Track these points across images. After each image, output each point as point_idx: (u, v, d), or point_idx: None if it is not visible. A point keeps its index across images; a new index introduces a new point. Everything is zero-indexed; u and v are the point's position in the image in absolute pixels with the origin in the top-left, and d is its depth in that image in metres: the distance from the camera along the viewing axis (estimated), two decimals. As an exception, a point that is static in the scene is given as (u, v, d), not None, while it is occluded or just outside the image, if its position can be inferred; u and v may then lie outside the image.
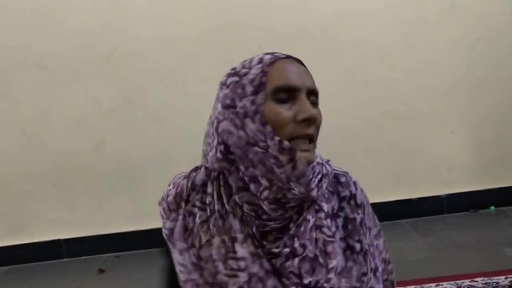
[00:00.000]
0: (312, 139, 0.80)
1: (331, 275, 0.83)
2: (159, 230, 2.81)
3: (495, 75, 2.61)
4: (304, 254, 0.81)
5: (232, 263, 0.79)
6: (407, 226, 2.52)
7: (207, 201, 0.81)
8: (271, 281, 0.80)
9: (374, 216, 0.92)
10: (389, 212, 2.48)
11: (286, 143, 0.76)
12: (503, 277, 1.83)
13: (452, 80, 2.61)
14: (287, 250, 0.80)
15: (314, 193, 0.79)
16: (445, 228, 2.49)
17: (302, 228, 0.81)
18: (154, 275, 2.34)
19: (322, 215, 0.84)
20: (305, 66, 0.83)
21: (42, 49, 2.59)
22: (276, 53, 0.82)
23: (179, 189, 0.83)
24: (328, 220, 0.85)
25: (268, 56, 0.81)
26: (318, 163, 0.83)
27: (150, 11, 2.57)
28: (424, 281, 1.86)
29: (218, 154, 0.81)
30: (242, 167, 0.79)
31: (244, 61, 0.83)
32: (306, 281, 0.80)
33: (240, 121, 0.78)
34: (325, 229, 0.84)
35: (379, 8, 2.55)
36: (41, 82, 2.62)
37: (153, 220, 2.66)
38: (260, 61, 0.80)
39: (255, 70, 0.79)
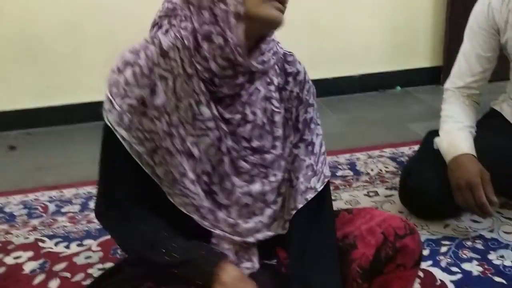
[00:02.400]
0: (285, 1, 0.81)
1: (277, 142, 0.90)
2: (70, 106, 2.70)
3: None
4: (254, 121, 0.87)
5: (199, 124, 0.83)
6: (322, 104, 2.64)
7: (173, 65, 0.81)
8: (229, 142, 0.85)
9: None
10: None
11: (241, 8, 0.76)
12: (407, 147, 2.03)
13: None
14: (239, 116, 0.85)
15: (259, 66, 0.82)
16: (357, 105, 2.65)
17: (254, 97, 0.87)
18: (71, 152, 2.29)
19: (273, 87, 0.90)
20: None
21: None
22: None
23: (149, 54, 0.81)
24: (277, 93, 0.90)
25: None
26: (273, 40, 0.87)
27: None
28: (339, 152, 2.01)
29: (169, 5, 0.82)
30: (196, 23, 0.78)
31: None
32: (254, 145, 0.87)
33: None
34: (273, 101, 0.90)
35: None
36: None
37: (63, 95, 2.54)
38: None
39: None
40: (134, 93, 0.81)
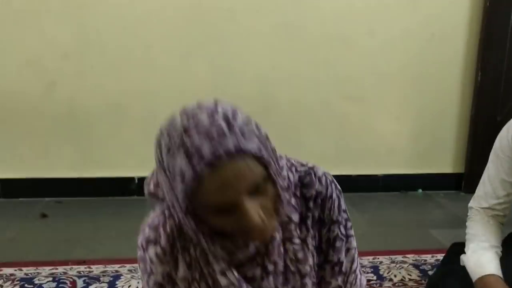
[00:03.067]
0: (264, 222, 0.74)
1: (306, 280, 0.86)
2: (103, 180, 2.81)
3: (441, 71, 2.80)
4: (275, 271, 0.84)
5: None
6: (346, 200, 2.70)
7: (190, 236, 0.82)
8: None
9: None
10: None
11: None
12: (430, 255, 2.05)
13: (404, 70, 2.77)
14: (258, 269, 0.84)
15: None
16: (379, 205, 2.70)
17: (270, 247, 0.83)
18: (101, 225, 2.36)
19: (292, 226, 0.85)
20: (244, 155, 0.69)
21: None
22: (199, 160, 0.67)
23: (169, 230, 0.83)
24: (298, 230, 0.85)
25: (188, 173, 0.68)
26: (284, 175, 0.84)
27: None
28: (362, 254, 2.03)
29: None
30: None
31: (168, 149, 0.70)
32: None
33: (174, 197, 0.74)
34: (294, 239, 0.85)
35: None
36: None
37: (98, 168, 2.66)
38: (182, 177, 0.68)
39: (179, 188, 0.70)
40: (158, 271, 0.84)
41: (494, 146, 1.56)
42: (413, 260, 2.00)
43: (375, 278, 1.86)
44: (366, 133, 2.82)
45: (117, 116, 2.62)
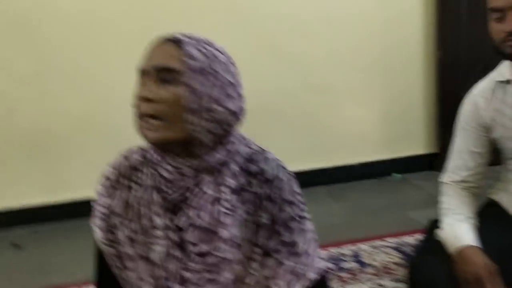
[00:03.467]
0: (153, 117, 0.83)
1: (222, 244, 0.87)
2: (75, 202, 2.73)
3: (402, 53, 2.82)
4: (200, 224, 0.87)
5: (153, 232, 0.90)
6: (323, 192, 2.69)
7: (143, 179, 0.92)
8: (176, 251, 0.89)
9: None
10: (306, 180, 2.63)
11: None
12: (410, 236, 2.05)
13: (369, 58, 2.78)
14: (186, 220, 0.88)
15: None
16: (356, 194, 2.70)
17: (202, 201, 0.88)
18: (77, 248, 2.29)
19: (225, 189, 0.88)
20: (174, 41, 0.86)
21: None
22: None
23: (118, 166, 0.94)
24: (232, 195, 0.88)
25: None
26: (238, 139, 0.92)
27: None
28: (343, 243, 2.03)
29: None
30: None
31: None
32: (201, 249, 0.88)
33: None
34: (224, 202, 0.87)
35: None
36: None
37: (70, 191, 2.60)
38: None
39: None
40: (102, 202, 0.93)
41: (458, 120, 1.57)
42: (394, 244, 2.00)
43: (357, 265, 1.85)
44: (335, 124, 2.82)
45: (82, 136, 2.57)
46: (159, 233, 0.88)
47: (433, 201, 2.31)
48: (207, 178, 0.87)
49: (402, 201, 2.55)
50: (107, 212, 0.92)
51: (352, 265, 1.85)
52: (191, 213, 0.87)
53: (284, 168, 0.93)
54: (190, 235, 0.88)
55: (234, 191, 0.88)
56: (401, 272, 1.74)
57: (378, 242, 2.02)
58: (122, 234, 0.91)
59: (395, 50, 2.80)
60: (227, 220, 0.87)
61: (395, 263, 1.84)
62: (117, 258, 0.93)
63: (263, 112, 2.68)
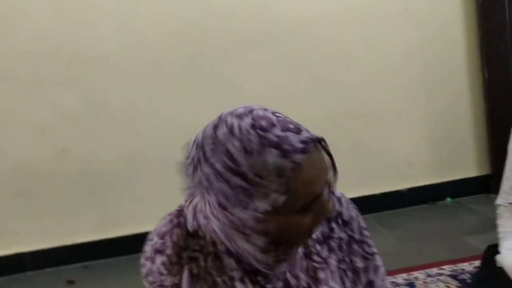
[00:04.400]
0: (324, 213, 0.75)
1: None
2: (126, 238, 2.79)
3: (447, 75, 2.76)
4: (298, 285, 0.82)
5: None
6: (372, 220, 2.62)
7: (202, 244, 0.81)
8: None
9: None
10: (354, 208, 2.58)
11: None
12: (467, 263, 1.95)
13: (409, 80, 2.74)
14: (281, 284, 0.81)
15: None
16: (407, 220, 2.61)
17: (292, 259, 0.81)
18: (127, 284, 2.32)
19: (311, 242, 0.83)
20: (323, 144, 0.74)
21: (-1, 55, 2.50)
22: (291, 148, 0.67)
23: (175, 239, 0.81)
24: (318, 246, 0.84)
25: (286, 164, 0.66)
26: None
27: (113, 14, 2.52)
28: (396, 272, 1.95)
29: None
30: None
31: (245, 151, 0.67)
32: None
33: (231, 230, 0.71)
34: (314, 256, 0.83)
35: (340, 11, 2.64)
36: (-2, 89, 2.52)
37: (120, 227, 2.66)
38: (278, 172, 0.66)
39: (275, 184, 0.66)
40: (167, 282, 0.82)
41: (511, 139, 1.51)
42: (450, 271, 1.91)
43: (412, 295, 1.77)
44: (382, 149, 2.76)
45: (131, 172, 2.63)
46: None
47: (489, 225, 2.20)
48: None
49: (457, 226, 2.44)
50: None
51: (407, 295, 1.78)
52: (288, 275, 0.81)
53: (352, 203, 0.89)
54: None
55: (320, 241, 0.84)
56: (460, 301, 1.65)
57: (433, 270, 1.93)
58: None
59: (439, 72, 2.74)
60: (322, 275, 0.82)
61: (453, 292, 1.75)
62: None
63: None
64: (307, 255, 0.83)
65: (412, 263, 2.02)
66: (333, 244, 0.85)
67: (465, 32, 2.73)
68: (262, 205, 0.67)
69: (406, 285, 1.85)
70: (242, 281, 0.79)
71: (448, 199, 2.80)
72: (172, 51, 2.56)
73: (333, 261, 0.84)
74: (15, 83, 2.52)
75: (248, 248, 0.71)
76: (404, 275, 1.92)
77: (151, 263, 0.83)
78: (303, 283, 0.82)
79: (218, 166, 0.68)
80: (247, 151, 0.66)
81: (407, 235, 2.41)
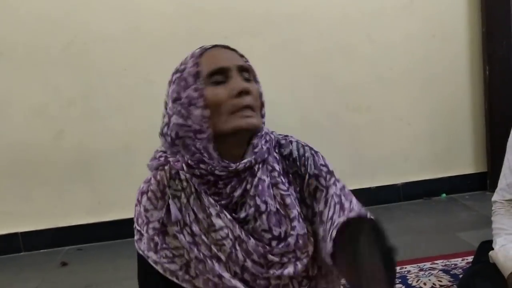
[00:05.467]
0: (252, 108, 0.89)
1: (294, 223, 0.93)
2: (120, 222, 2.79)
3: (447, 70, 2.75)
4: (268, 210, 0.91)
5: (214, 235, 0.90)
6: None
7: (184, 185, 0.92)
8: (251, 242, 0.90)
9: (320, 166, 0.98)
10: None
11: (208, 132, 0.88)
12: (460, 259, 1.96)
13: (409, 74, 2.73)
14: (252, 209, 0.90)
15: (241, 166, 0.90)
16: (402, 215, 2.62)
17: (260, 187, 0.92)
18: (120, 267, 2.33)
19: (276, 173, 0.95)
20: (233, 50, 0.95)
21: (-3, 33, 2.48)
22: (204, 46, 0.94)
23: (159, 178, 0.93)
24: (282, 177, 0.95)
25: (197, 50, 0.93)
26: (265, 132, 0.96)
27: (113, -2, 2.50)
28: (389, 265, 1.95)
29: (168, 141, 0.92)
30: (187, 155, 0.90)
31: (184, 59, 0.94)
32: (276, 233, 0.91)
33: (186, 111, 0.88)
34: (280, 185, 0.94)
35: (342, 2, 2.62)
36: (-5, 68, 2.50)
37: (114, 211, 2.65)
38: (192, 55, 0.92)
39: (190, 63, 0.91)
40: (154, 217, 0.91)
41: (510, 136, 1.51)
42: (442, 266, 1.91)
43: (404, 288, 1.77)
44: (379, 143, 2.75)
45: (127, 156, 2.62)
46: (222, 233, 0.89)
47: (484, 222, 2.21)
48: (259, 167, 0.92)
49: (451, 222, 2.44)
50: (160, 226, 0.91)
51: (399, 287, 1.78)
52: (258, 201, 0.90)
53: (307, 146, 1.00)
54: (262, 223, 0.90)
55: (281, 174, 0.95)
56: (451, 296, 1.66)
57: (426, 264, 1.94)
58: (184, 240, 0.90)
59: (440, 68, 2.73)
60: (288, 200, 0.93)
61: (445, 286, 1.76)
62: (183, 272, 0.90)
63: (307, 132, 2.65)
64: (274, 185, 0.93)
65: (405, 257, 2.02)
66: (290, 177, 0.96)
67: (468, 28, 2.72)
68: (190, 78, 0.89)
69: (398, 278, 1.85)
70: (218, 216, 0.90)
71: (443, 195, 2.81)
72: (172, 35, 2.54)
73: (292, 191, 0.95)
74: (13, 64, 2.50)
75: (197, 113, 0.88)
76: (397, 268, 1.92)
77: (139, 205, 0.94)
78: (272, 208, 0.91)
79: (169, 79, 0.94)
80: (177, 71, 0.94)
81: (401, 229, 2.41)
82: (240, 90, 0.88)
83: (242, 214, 0.90)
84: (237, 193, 0.90)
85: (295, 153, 0.97)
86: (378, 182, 2.77)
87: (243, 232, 0.89)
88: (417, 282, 1.81)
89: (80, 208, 2.63)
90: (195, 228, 0.90)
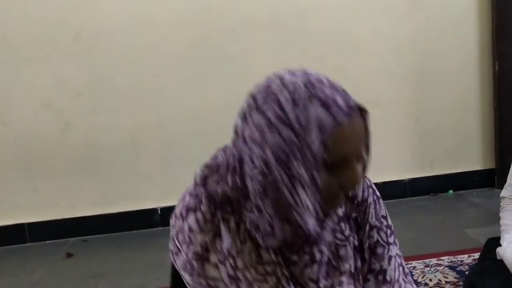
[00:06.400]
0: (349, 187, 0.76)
1: (343, 278, 0.84)
2: (126, 214, 2.79)
3: (456, 66, 2.73)
4: (322, 260, 0.82)
5: (260, 268, 0.79)
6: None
7: (235, 208, 0.79)
8: (292, 287, 0.80)
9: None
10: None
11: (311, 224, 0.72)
12: (466, 255, 1.94)
13: (418, 70, 2.71)
14: (307, 257, 0.80)
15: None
16: (408, 210, 2.60)
17: (321, 234, 0.81)
18: (125, 258, 2.34)
19: (335, 218, 0.84)
20: (365, 120, 0.76)
21: (5, 25, 2.48)
22: (337, 109, 0.70)
23: (209, 197, 0.79)
24: (342, 224, 0.84)
25: (328, 121, 0.69)
26: None
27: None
28: (394, 260, 1.94)
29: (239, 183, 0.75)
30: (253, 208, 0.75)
31: (293, 102, 0.70)
32: (321, 285, 0.82)
33: (291, 185, 0.70)
34: (337, 233, 0.84)
35: (351, -3, 2.60)
36: (3, 60, 2.50)
37: (120, 203, 2.66)
38: (320, 127, 0.69)
39: (314, 138, 0.69)
40: (197, 240, 0.79)
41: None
42: (448, 262, 1.90)
43: (409, 284, 1.76)
44: (386, 138, 2.73)
45: (133, 149, 2.62)
46: (268, 268, 0.79)
47: (491, 219, 2.20)
48: None
49: (458, 218, 2.43)
50: (202, 252, 0.79)
51: (404, 283, 1.77)
52: (314, 249, 0.81)
53: (372, 188, 0.89)
54: (311, 271, 0.81)
55: (343, 219, 0.84)
56: (457, 292, 1.64)
57: (432, 260, 1.92)
58: (224, 273, 0.79)
59: (449, 63, 2.71)
60: (343, 252, 0.83)
61: (451, 283, 1.75)
62: None
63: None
64: (333, 231, 0.83)
65: (411, 253, 2.01)
66: (353, 223, 0.85)
67: (478, 24, 2.69)
68: (309, 157, 0.69)
69: (403, 274, 1.84)
70: (267, 249, 0.78)
71: (451, 191, 2.79)
72: (180, 29, 2.54)
73: (352, 239, 0.85)
74: (21, 56, 2.50)
75: (307, 202, 0.70)
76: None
77: (182, 221, 0.80)
78: (326, 258, 0.82)
79: (269, 114, 0.70)
80: (295, 103, 0.69)
81: (407, 225, 2.40)
82: (353, 186, 0.75)
83: (294, 257, 0.80)
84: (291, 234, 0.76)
85: (359, 196, 0.86)
86: (385, 178, 2.75)
87: (284, 274, 0.79)
88: (422, 278, 1.80)
89: (86, 200, 2.64)
90: (239, 261, 0.79)
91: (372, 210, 0.87)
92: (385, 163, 2.75)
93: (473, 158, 2.82)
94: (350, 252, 0.84)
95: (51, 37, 2.50)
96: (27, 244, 2.60)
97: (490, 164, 2.81)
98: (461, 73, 2.73)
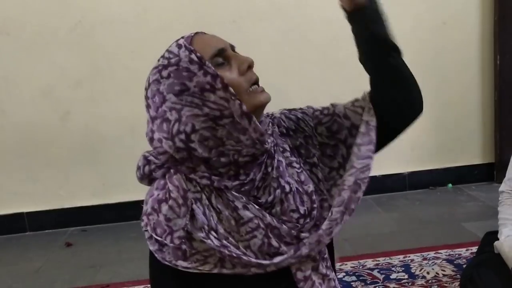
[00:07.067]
0: (257, 82, 0.87)
1: (314, 197, 0.90)
2: (125, 204, 2.79)
3: (457, 59, 2.71)
4: (292, 189, 0.88)
5: (244, 228, 0.84)
6: (372, 201, 2.62)
7: (202, 185, 0.84)
8: (283, 228, 0.86)
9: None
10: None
11: (244, 107, 0.80)
12: (464, 249, 1.95)
13: (419, 63, 2.67)
14: (278, 191, 0.87)
15: (268, 143, 0.86)
16: (407, 203, 2.60)
17: (281, 169, 0.88)
18: (124, 248, 2.34)
19: (288, 153, 0.92)
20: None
21: (5, 12, 2.46)
22: (184, 35, 0.87)
23: (177, 184, 0.83)
24: (292, 157, 0.92)
25: (181, 40, 0.85)
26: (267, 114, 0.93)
27: (121, -21, 2.48)
28: (393, 253, 1.95)
29: (179, 144, 0.81)
30: (200, 150, 0.82)
31: (161, 56, 0.87)
32: (302, 211, 0.88)
33: (199, 99, 0.81)
34: (294, 164, 0.91)
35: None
36: (2, 48, 2.49)
37: (119, 193, 2.65)
38: (179, 46, 0.84)
39: (184, 53, 0.83)
40: (177, 225, 0.82)
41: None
42: (446, 255, 1.90)
43: (406, 276, 1.77)
44: (386, 131, 2.73)
45: (132, 139, 2.61)
46: (251, 225, 0.84)
47: (489, 213, 2.20)
48: (275, 148, 0.88)
49: (456, 212, 2.43)
50: (185, 234, 0.83)
51: (402, 276, 1.78)
52: (282, 182, 0.87)
53: (292, 110, 0.98)
54: (290, 203, 0.87)
55: (292, 149, 0.92)
56: (453, 285, 1.65)
57: (430, 253, 1.93)
58: (212, 244, 0.82)
59: (450, 56, 2.69)
60: (303, 177, 0.90)
61: (448, 276, 1.75)
62: (217, 268, 0.84)
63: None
64: (288, 164, 0.90)
65: (409, 246, 2.02)
66: (302, 150, 0.94)
67: (480, 16, 2.67)
68: (193, 66, 0.82)
69: (401, 266, 1.84)
70: (245, 207, 0.84)
71: (450, 185, 2.79)
72: (180, 18, 2.52)
73: (302, 164, 0.92)
74: (20, 45, 2.49)
75: (231, 130, 0.81)
76: (400, 257, 1.92)
77: (156, 215, 0.83)
78: (293, 187, 0.88)
79: (153, 78, 0.88)
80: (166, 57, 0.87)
81: (405, 218, 2.41)
82: (249, 64, 0.84)
83: (269, 198, 0.86)
84: (258, 176, 0.84)
85: (291, 125, 0.94)
86: (384, 171, 2.75)
87: (274, 219, 0.85)
88: (420, 271, 1.80)
89: (85, 190, 2.64)
90: (222, 230, 0.83)
91: (307, 118, 0.95)
92: (385, 156, 2.73)
93: (473, 152, 2.82)
94: (307, 176, 0.91)
95: (50, 26, 2.48)
96: (26, 233, 2.61)
97: (489, 158, 2.81)
98: (462, 66, 2.72)
